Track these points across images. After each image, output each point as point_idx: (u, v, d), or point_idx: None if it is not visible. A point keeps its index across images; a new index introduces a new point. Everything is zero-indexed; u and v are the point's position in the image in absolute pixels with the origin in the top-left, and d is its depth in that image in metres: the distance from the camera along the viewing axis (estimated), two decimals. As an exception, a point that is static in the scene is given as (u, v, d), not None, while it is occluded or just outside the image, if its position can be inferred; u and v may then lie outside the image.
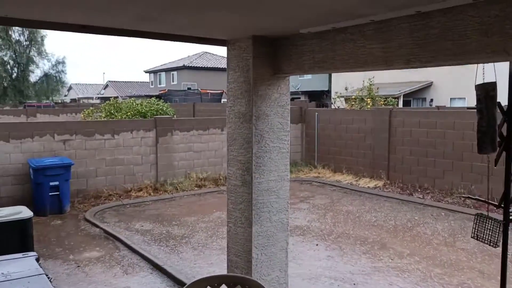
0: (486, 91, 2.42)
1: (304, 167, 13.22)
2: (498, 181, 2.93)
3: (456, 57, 2.41)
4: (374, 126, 11.62)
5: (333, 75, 29.20)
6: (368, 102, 14.87)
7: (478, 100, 2.42)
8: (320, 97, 29.34)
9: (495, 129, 2.41)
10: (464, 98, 22.17)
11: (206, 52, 47.24)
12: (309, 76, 34.55)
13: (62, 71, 45.30)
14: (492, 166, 2.69)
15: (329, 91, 28.81)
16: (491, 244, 2.77)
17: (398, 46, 2.70)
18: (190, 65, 43.32)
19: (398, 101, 22.35)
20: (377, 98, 15.50)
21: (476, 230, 2.79)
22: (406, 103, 25.11)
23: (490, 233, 2.72)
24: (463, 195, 2.47)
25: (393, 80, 24.31)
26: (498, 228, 2.69)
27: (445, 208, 8.99)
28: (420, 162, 10.54)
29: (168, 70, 46.28)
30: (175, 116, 13.21)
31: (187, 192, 10.59)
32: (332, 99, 22.06)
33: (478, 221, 2.81)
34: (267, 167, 3.71)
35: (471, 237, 2.83)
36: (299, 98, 26.56)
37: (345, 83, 19.28)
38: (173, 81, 44.71)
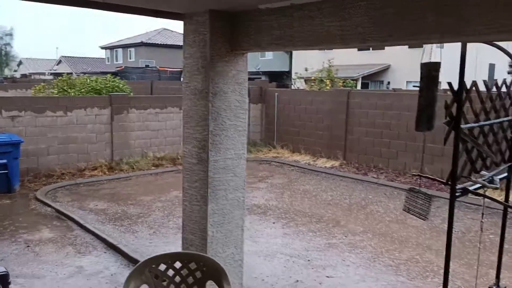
0: (428, 71, 2.46)
1: (263, 147, 13.27)
2: (448, 161, 3.03)
3: (412, 36, 2.43)
4: (332, 107, 11.77)
5: (294, 55, 29.30)
6: (327, 83, 15.02)
7: (421, 78, 2.47)
8: (280, 78, 29.40)
9: (433, 108, 2.47)
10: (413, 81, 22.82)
11: (165, 29, 46.09)
12: (270, 56, 34.50)
13: (9, 44, 43.00)
14: (426, 145, 2.77)
15: (289, 72, 28.91)
16: (421, 217, 2.89)
17: (355, 24, 2.70)
18: (148, 42, 42.17)
19: (356, 83, 22.73)
20: (336, 80, 15.68)
21: (408, 204, 2.91)
22: (364, 86, 25.61)
23: (421, 206, 2.84)
24: (414, 173, 2.55)
25: (352, 62, 24.65)
26: (428, 202, 2.80)
27: (397, 187, 9.28)
28: (376, 143, 10.80)
29: (125, 47, 44.89)
30: (131, 94, 12.86)
31: (144, 172, 10.41)
32: (292, 80, 22.16)
33: (410, 195, 2.92)
34: (223, 145, 3.67)
35: (403, 209, 2.95)
36: (260, 78, 26.48)
37: (306, 64, 19.39)
38: (130, 58, 43.47)
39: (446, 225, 6.61)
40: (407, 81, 24.37)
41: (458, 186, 2.80)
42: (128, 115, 10.82)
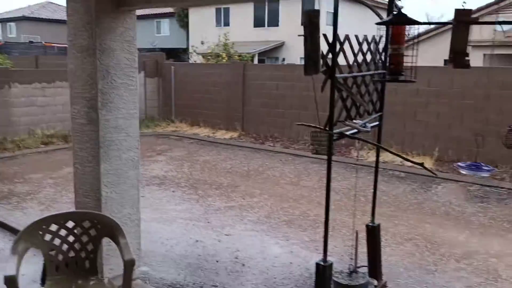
0: (309, 18, 2.67)
1: (161, 122, 13.09)
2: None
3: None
4: (230, 80, 11.94)
5: (191, 31, 28.91)
6: (224, 56, 15.14)
7: (304, 26, 2.67)
8: (178, 55, 28.90)
9: (317, 53, 2.70)
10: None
11: (50, 2, 42.55)
12: (166, 33, 33.67)
13: None
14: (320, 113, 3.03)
15: (187, 49, 28.51)
16: (327, 154, 3.12)
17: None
18: (31, 16, 38.63)
19: (253, 60, 23.15)
20: (233, 54, 15.85)
21: (313, 145, 3.13)
22: (261, 62, 26.16)
23: (324, 145, 3.09)
24: (298, 123, 2.73)
25: (248, 39, 25.00)
26: (330, 140, 3.06)
27: (292, 154, 9.80)
28: (272, 113, 11.23)
29: (4, 21, 40.70)
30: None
31: (32, 150, 9.73)
32: (189, 54, 21.91)
33: (313, 137, 3.15)
34: (114, 104, 3.62)
35: (312, 153, 3.18)
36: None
37: (202, 39, 19.27)
38: (10, 33, 39.57)
39: (335, 184, 7.20)
40: (300, 57, 25.41)
41: (335, 131, 3.09)
42: (10, 90, 9.98)
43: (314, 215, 6.03)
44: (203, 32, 24.52)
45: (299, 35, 2.73)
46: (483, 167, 3.52)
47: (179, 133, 12.12)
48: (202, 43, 18.38)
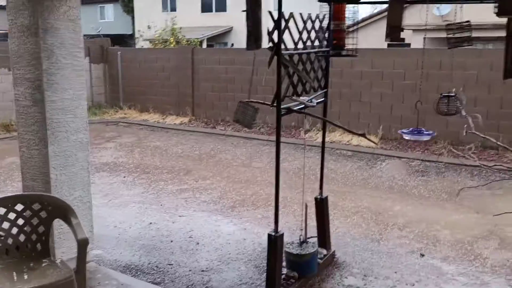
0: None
1: (109, 109, 12.78)
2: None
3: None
4: (178, 64, 11.83)
5: (136, 17, 28.19)
6: (172, 41, 14.94)
7: (246, 2, 2.74)
8: (124, 40, 28.12)
9: (258, 29, 2.79)
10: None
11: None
12: (111, 19, 32.62)
13: None
14: (266, 95, 3.13)
15: (133, 35, 27.80)
16: (247, 126, 3.27)
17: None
18: (-38, 1, 36.23)
19: (201, 45, 22.96)
20: (181, 39, 15.66)
21: (237, 116, 3.26)
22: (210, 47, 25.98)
23: (249, 118, 3.22)
24: (242, 101, 2.79)
25: (196, 24, 24.73)
26: (255, 114, 3.20)
27: (244, 137, 9.90)
28: (222, 97, 11.25)
29: None
30: None
31: (-30, 140, 9.27)
32: (135, 40, 21.40)
33: (240, 108, 3.28)
34: (60, 85, 3.54)
35: (233, 121, 3.31)
36: (101, 41, 24.87)
37: (149, 23, 18.87)
38: None
39: (286, 165, 7.40)
40: (249, 43, 25.43)
41: (283, 106, 3.21)
42: None
43: (266, 194, 6.18)
44: (150, 17, 23.99)
45: (242, 11, 2.80)
46: (425, 132, 3.77)
47: (128, 120, 11.91)
48: (149, 27, 18.01)
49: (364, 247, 4.57)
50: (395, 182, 6.81)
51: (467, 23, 3.10)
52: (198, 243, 4.64)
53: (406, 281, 3.90)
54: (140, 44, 17.89)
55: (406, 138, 3.91)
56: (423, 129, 3.80)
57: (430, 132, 3.77)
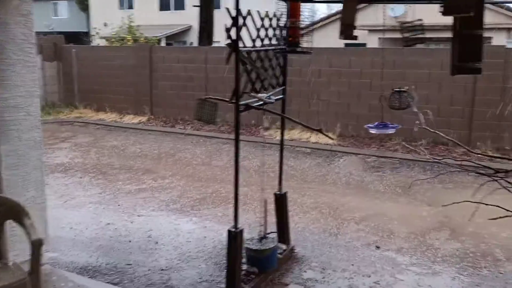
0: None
1: (64, 108, 12.39)
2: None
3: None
4: (136, 63, 11.62)
5: (92, 14, 27.49)
6: (129, 39, 14.65)
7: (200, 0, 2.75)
8: (79, 38, 27.34)
9: (211, 26, 2.81)
10: (219, 41, 23.99)
11: None
12: (64, 15, 31.63)
13: None
14: (226, 95, 3.16)
15: (88, 33, 27.07)
16: (210, 122, 3.29)
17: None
18: None
19: (160, 43, 22.67)
20: (138, 37, 15.38)
21: (198, 113, 3.27)
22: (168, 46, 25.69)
23: (209, 113, 3.24)
24: (200, 98, 2.79)
25: (154, 22, 24.39)
26: (214, 110, 3.23)
27: (204, 136, 9.87)
28: (181, 96, 11.15)
29: None
30: None
31: None
32: (91, 38, 20.85)
33: (199, 105, 3.29)
34: (12, 82, 3.42)
35: (194, 119, 3.33)
36: (54, 38, 24.07)
37: (105, 21, 18.43)
38: None
39: (247, 163, 7.43)
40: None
41: (242, 102, 3.24)
42: None
43: (226, 192, 6.19)
44: (106, 15, 23.46)
45: (194, 6, 2.80)
46: (389, 125, 3.89)
47: (84, 119, 11.59)
48: (106, 25, 17.59)
49: (323, 241, 4.67)
50: (352, 178, 6.99)
51: (419, 22, 3.23)
52: (157, 243, 4.60)
53: (363, 273, 4.02)
54: (96, 42, 17.44)
55: (373, 132, 4.02)
56: (388, 122, 3.92)
57: (395, 125, 3.89)
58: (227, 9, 2.91)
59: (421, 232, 4.94)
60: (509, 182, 2.79)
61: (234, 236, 3.35)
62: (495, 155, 6.87)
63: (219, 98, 3.40)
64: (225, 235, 3.64)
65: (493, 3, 12.08)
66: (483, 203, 2.95)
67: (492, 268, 4.15)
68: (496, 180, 2.82)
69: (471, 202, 2.99)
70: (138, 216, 5.31)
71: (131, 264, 4.13)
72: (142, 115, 11.51)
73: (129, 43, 14.33)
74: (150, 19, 23.81)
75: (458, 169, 4.01)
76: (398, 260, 4.28)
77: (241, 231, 3.42)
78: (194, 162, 7.85)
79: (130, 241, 4.62)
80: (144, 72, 11.49)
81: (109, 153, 8.43)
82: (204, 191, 6.28)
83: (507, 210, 2.85)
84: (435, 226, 5.11)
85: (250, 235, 3.98)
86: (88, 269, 4.04)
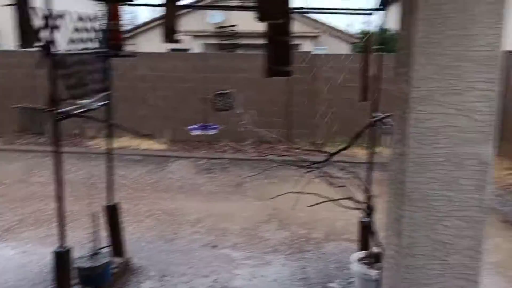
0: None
1: None
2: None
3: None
4: None
5: None
6: None
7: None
8: None
9: (30, 26, 2.53)
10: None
11: None
12: None
13: None
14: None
15: None
16: (38, 133, 2.98)
17: None
18: None
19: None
20: None
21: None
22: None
23: (37, 123, 2.93)
24: (15, 105, 2.44)
25: None
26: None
27: (18, 150, 8.80)
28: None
29: None
30: None
31: None
32: None
33: (20, 114, 2.96)
34: None
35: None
36: None
37: None
38: None
39: (72, 176, 6.87)
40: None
41: (61, 110, 2.97)
42: None
43: (51, 209, 5.61)
44: None
45: (5, 5, 2.49)
46: (211, 126, 3.99)
47: None
48: None
49: (159, 249, 4.60)
50: (184, 182, 7.04)
51: (233, 28, 3.41)
52: (-35, 278, 3.93)
53: (201, 274, 4.07)
54: None
55: (195, 133, 4.08)
56: (209, 123, 4.02)
57: (216, 125, 4.02)
58: (34, 8, 2.62)
59: (253, 226, 5.24)
60: (324, 172, 3.14)
61: (60, 257, 3.06)
62: (310, 148, 7.67)
63: (37, 106, 3.06)
64: (50, 257, 3.30)
65: (299, 13, 13.49)
66: (303, 193, 3.27)
67: (315, 250, 4.63)
68: (312, 171, 3.15)
69: (293, 192, 3.28)
70: None
71: None
72: None
73: None
74: None
75: (281, 164, 4.36)
76: (234, 256, 4.46)
77: (68, 250, 3.14)
78: (7, 181, 6.94)
79: None
80: None
81: None
82: (23, 211, 5.60)
83: (321, 196, 3.21)
84: (265, 219, 5.47)
85: (80, 253, 3.69)
86: None
